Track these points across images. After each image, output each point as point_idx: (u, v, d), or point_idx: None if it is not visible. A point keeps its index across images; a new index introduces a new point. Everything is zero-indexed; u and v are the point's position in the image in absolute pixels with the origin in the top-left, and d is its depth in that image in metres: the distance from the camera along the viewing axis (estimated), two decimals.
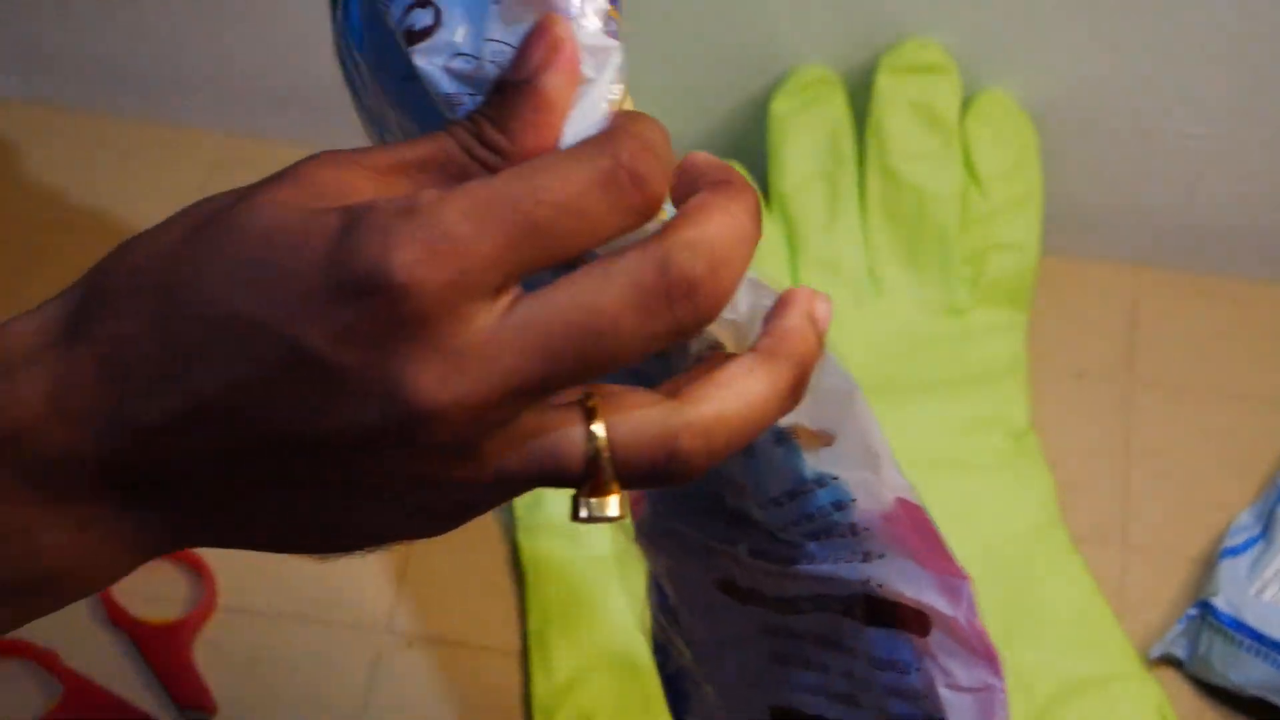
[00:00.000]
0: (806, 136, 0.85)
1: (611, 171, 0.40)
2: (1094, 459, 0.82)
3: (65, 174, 0.92)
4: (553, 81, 0.42)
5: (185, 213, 0.43)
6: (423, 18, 0.45)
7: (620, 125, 0.41)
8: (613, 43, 0.43)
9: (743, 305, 0.45)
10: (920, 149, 0.84)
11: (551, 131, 0.42)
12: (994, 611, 0.73)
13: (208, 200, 0.43)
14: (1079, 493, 0.80)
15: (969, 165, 0.85)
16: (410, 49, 0.45)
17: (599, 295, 0.40)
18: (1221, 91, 0.85)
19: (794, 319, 0.44)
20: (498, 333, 0.40)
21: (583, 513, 0.43)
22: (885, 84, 0.84)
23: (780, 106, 0.85)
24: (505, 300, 0.40)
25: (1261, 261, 0.90)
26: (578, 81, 0.42)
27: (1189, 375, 0.85)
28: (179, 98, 0.95)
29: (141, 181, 0.92)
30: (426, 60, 0.44)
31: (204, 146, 0.93)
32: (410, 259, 0.39)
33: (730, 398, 0.42)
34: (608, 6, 0.44)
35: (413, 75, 0.45)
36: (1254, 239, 0.90)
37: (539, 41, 0.42)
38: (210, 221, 0.42)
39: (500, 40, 0.44)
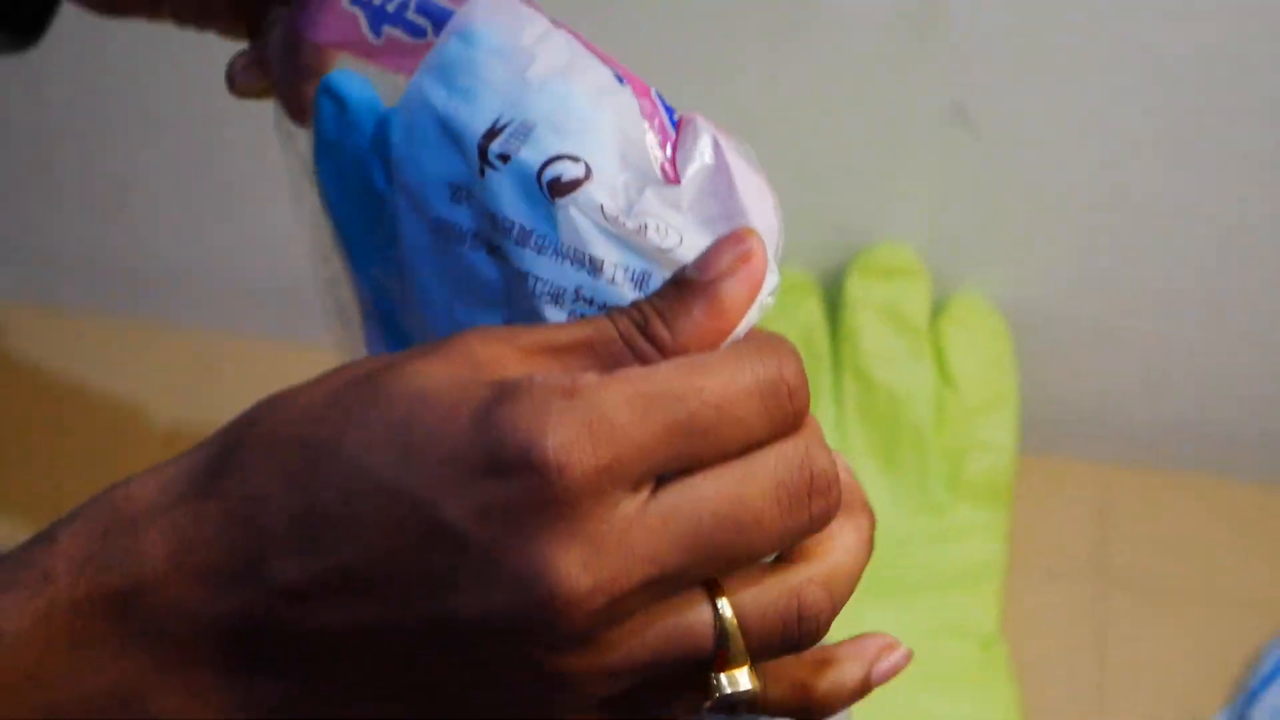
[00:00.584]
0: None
1: (775, 383, 0.40)
2: (1067, 659, 0.82)
3: (56, 371, 0.93)
4: (734, 290, 0.42)
5: (328, 375, 0.43)
6: (572, 170, 0.46)
7: (778, 339, 0.42)
8: (774, 265, 0.44)
9: None
10: (891, 351, 0.85)
11: (719, 339, 0.42)
12: None
13: (352, 364, 0.43)
14: (1052, 691, 0.81)
15: (943, 367, 0.87)
16: (557, 200, 0.45)
17: (745, 488, 0.40)
18: (1186, 292, 0.87)
19: (847, 474, 0.44)
20: (643, 521, 0.39)
21: (724, 689, 0.42)
22: (855, 288, 0.86)
23: None
24: (647, 489, 0.40)
25: (1229, 459, 0.91)
26: (757, 297, 0.43)
27: (1160, 575, 0.86)
28: (167, 296, 0.96)
29: (131, 378, 0.93)
30: (579, 213, 0.45)
31: (193, 343, 0.95)
32: (567, 440, 0.39)
33: (835, 549, 0.43)
34: (777, 226, 0.45)
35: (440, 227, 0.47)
36: (1221, 437, 0.91)
37: (731, 248, 0.42)
38: (355, 384, 0.42)
39: (666, 219, 0.45)
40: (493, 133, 0.48)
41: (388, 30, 0.53)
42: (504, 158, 0.47)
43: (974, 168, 0.84)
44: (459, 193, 0.48)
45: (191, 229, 0.94)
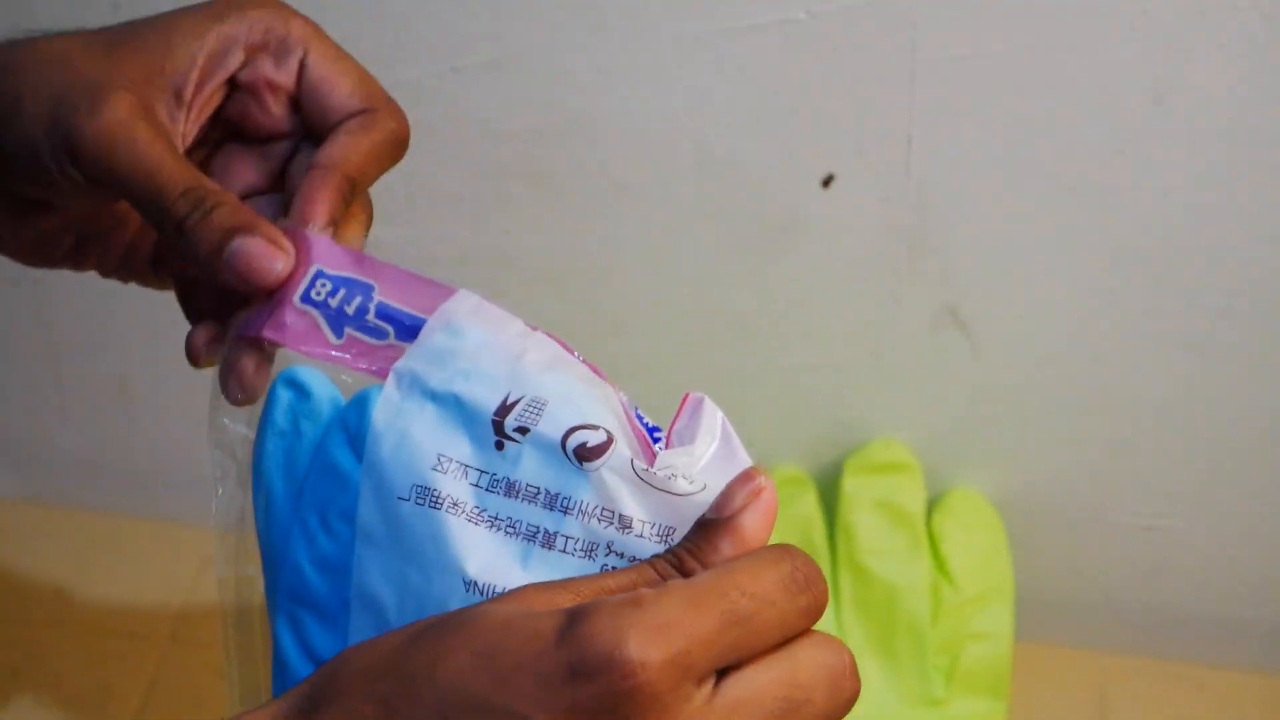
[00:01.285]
0: (780, 536, 0.87)
1: (793, 573, 0.47)
2: None
3: (59, 571, 0.95)
4: (753, 521, 0.49)
5: (393, 633, 0.48)
6: (595, 437, 0.52)
7: (784, 544, 0.49)
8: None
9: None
10: (887, 545, 0.87)
11: None
12: None
13: (419, 620, 0.49)
14: None
15: (939, 560, 0.88)
16: (586, 464, 0.51)
17: (795, 674, 0.47)
18: (1179, 483, 0.88)
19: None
20: (713, 709, 0.45)
21: None
22: (851, 484, 0.87)
23: None
24: (710, 682, 0.46)
25: (1227, 648, 0.92)
26: (773, 522, 0.50)
27: None
28: (169, 494, 0.98)
29: (134, 577, 0.94)
30: (611, 474, 0.51)
31: (194, 542, 0.96)
32: (642, 640, 0.44)
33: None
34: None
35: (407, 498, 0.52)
36: (1217, 626, 0.92)
37: (743, 485, 0.49)
38: (432, 628, 0.47)
39: (689, 471, 0.51)
40: (505, 409, 0.53)
41: (349, 331, 0.57)
42: (523, 430, 0.52)
43: (965, 367, 0.86)
44: (447, 464, 0.53)
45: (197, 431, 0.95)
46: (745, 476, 0.50)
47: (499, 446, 0.53)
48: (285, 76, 0.61)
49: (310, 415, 0.56)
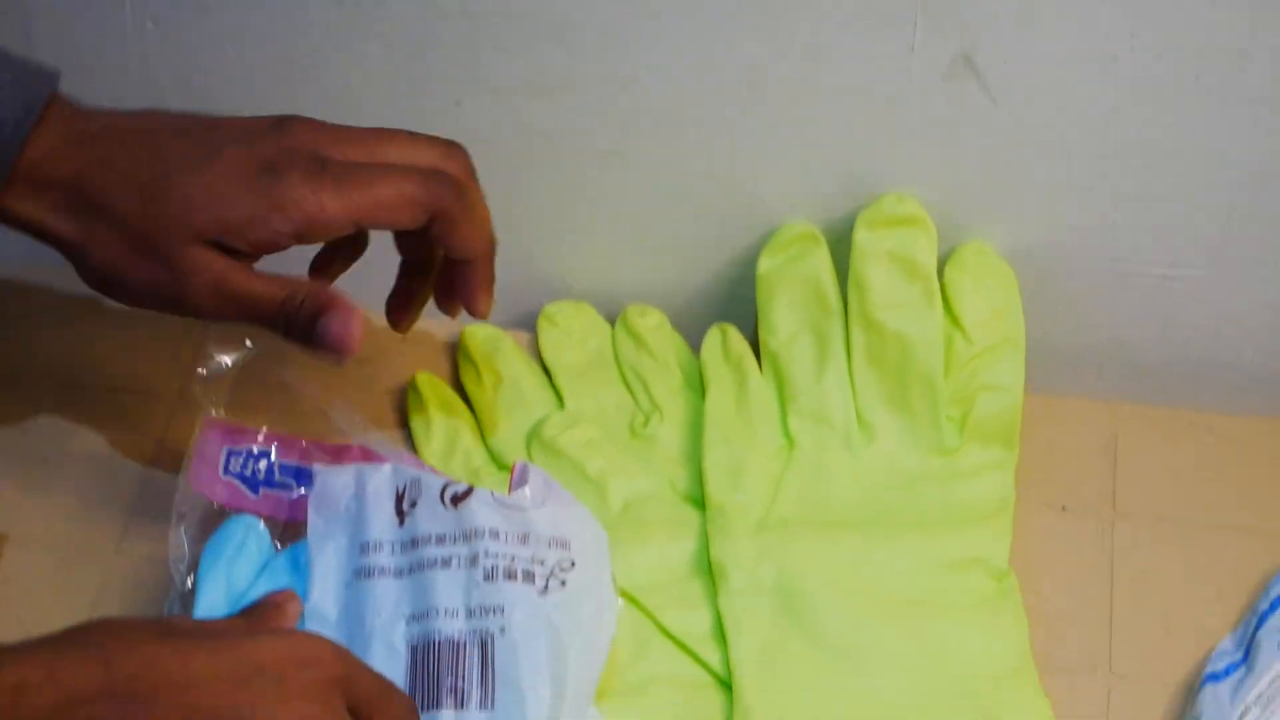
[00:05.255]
0: (792, 292, 0.88)
1: None
2: (1078, 590, 0.84)
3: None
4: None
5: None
6: (458, 486, 0.78)
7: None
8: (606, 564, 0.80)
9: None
10: (900, 298, 0.87)
11: None
12: None
13: None
14: (1064, 623, 0.83)
15: (952, 313, 0.88)
16: (460, 504, 0.77)
17: None
18: (1193, 233, 0.88)
19: None
20: None
21: None
22: (863, 238, 0.87)
23: (766, 265, 0.89)
24: None
25: (1236, 395, 0.93)
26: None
27: (1169, 507, 0.88)
28: None
29: None
30: (479, 503, 0.77)
31: None
32: None
33: None
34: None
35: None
36: (1228, 373, 0.93)
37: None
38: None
39: (535, 497, 0.79)
40: (399, 497, 0.77)
41: (264, 490, 0.81)
42: (413, 504, 0.76)
43: (979, 117, 0.86)
44: (369, 546, 0.76)
45: None
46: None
47: (402, 522, 0.76)
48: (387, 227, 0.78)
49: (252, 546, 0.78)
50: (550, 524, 0.77)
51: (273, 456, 0.82)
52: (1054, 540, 0.86)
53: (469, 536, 0.75)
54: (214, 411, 0.82)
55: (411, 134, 0.77)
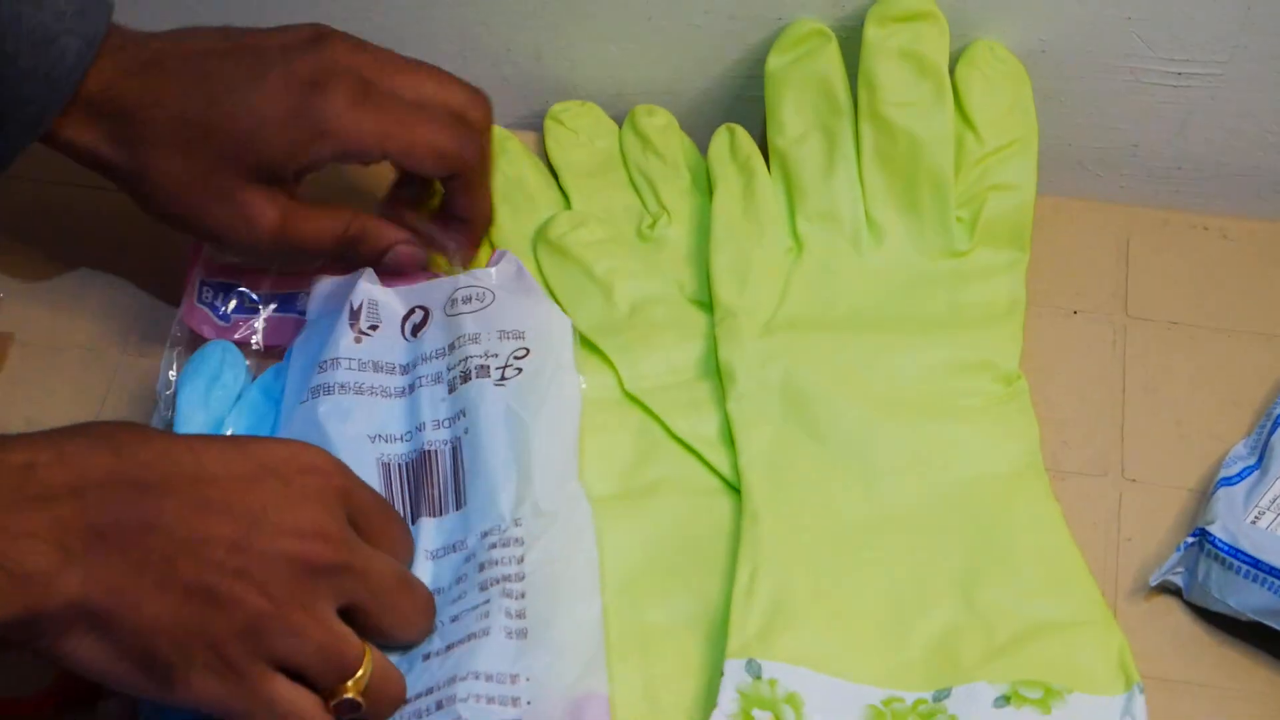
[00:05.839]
0: (801, 91, 0.87)
1: None
2: (1089, 394, 0.84)
3: None
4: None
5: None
6: (418, 315, 0.80)
7: None
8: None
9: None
10: (910, 96, 0.85)
11: None
12: (963, 551, 0.75)
13: None
14: (1076, 428, 0.82)
15: (963, 112, 0.87)
16: (419, 333, 0.80)
17: None
18: (1211, 30, 0.86)
19: None
20: None
21: None
22: (873, 34, 0.85)
23: (775, 63, 0.87)
24: None
25: (1251, 198, 0.92)
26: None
27: (1182, 311, 0.87)
28: None
29: None
30: (435, 326, 0.80)
31: None
32: None
33: None
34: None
35: None
36: (1244, 176, 0.91)
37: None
38: None
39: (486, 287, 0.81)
40: (355, 314, 0.78)
41: (235, 318, 0.83)
42: (373, 327, 0.78)
43: None
44: (324, 364, 0.77)
45: None
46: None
47: (357, 341, 0.77)
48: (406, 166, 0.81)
49: (228, 375, 0.78)
50: (501, 318, 0.78)
51: (244, 289, 0.84)
52: (1065, 344, 0.85)
53: (425, 359, 0.78)
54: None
55: (443, 74, 0.80)
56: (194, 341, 0.81)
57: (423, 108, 0.78)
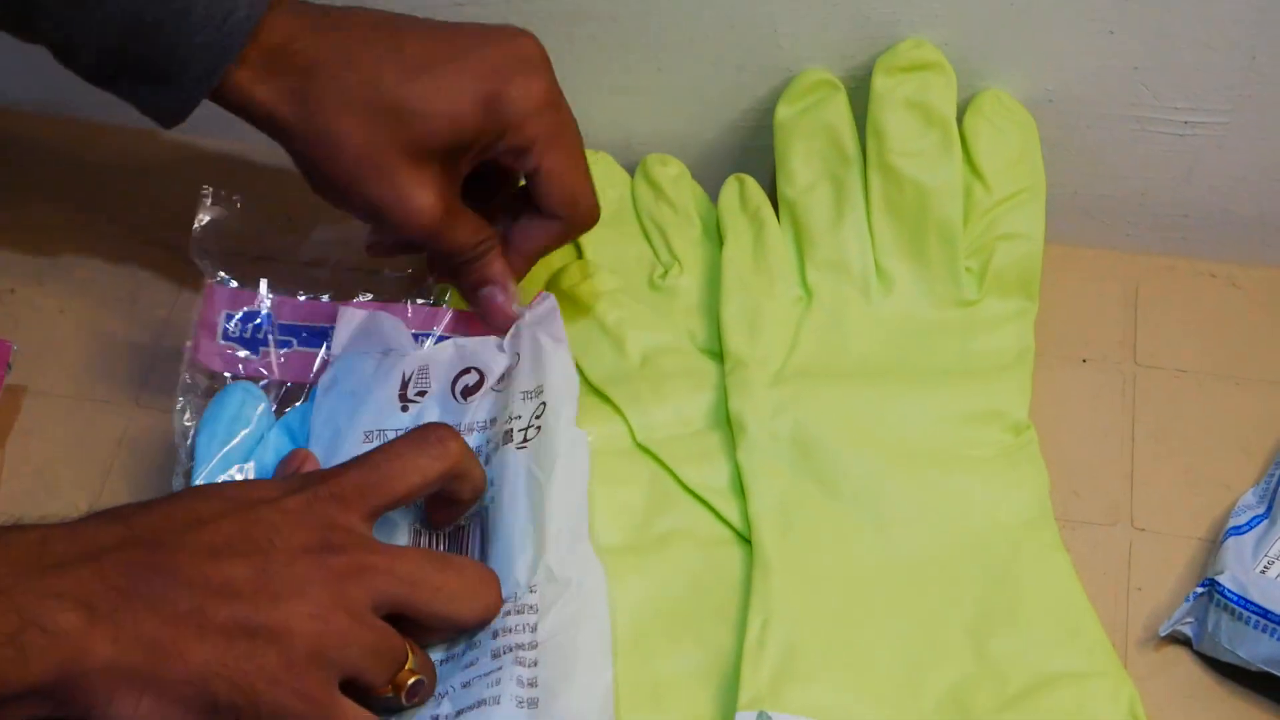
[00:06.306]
0: (810, 141, 0.87)
1: None
2: (1099, 442, 0.84)
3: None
4: None
5: None
6: (470, 378, 0.79)
7: None
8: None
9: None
10: (918, 145, 0.85)
11: None
12: (974, 601, 0.75)
13: None
14: (1086, 477, 0.82)
15: (971, 161, 0.87)
16: (468, 399, 0.79)
17: None
18: (1216, 80, 0.86)
19: None
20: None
21: None
22: (881, 84, 0.86)
23: (784, 113, 0.88)
24: None
25: (1259, 245, 0.92)
26: None
27: (1190, 359, 0.87)
28: None
29: None
30: (482, 398, 0.79)
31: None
32: None
33: None
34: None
35: None
36: (1251, 224, 0.92)
37: None
38: None
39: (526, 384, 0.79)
40: (405, 384, 0.78)
41: (262, 350, 0.82)
42: (421, 393, 0.78)
43: None
44: (370, 435, 0.77)
45: None
46: None
47: (404, 409, 0.77)
48: (521, 166, 0.79)
49: (249, 414, 0.78)
50: (523, 379, 0.77)
51: (270, 315, 0.82)
52: (1074, 392, 0.85)
53: (470, 430, 0.77)
54: (212, 279, 0.82)
55: None
56: (206, 388, 0.81)
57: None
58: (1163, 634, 0.76)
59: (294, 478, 0.69)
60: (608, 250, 0.89)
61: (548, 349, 0.78)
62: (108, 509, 0.66)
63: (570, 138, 0.79)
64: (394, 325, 0.80)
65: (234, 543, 0.64)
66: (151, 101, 0.76)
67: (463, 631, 0.70)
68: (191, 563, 0.63)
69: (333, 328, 0.81)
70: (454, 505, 0.73)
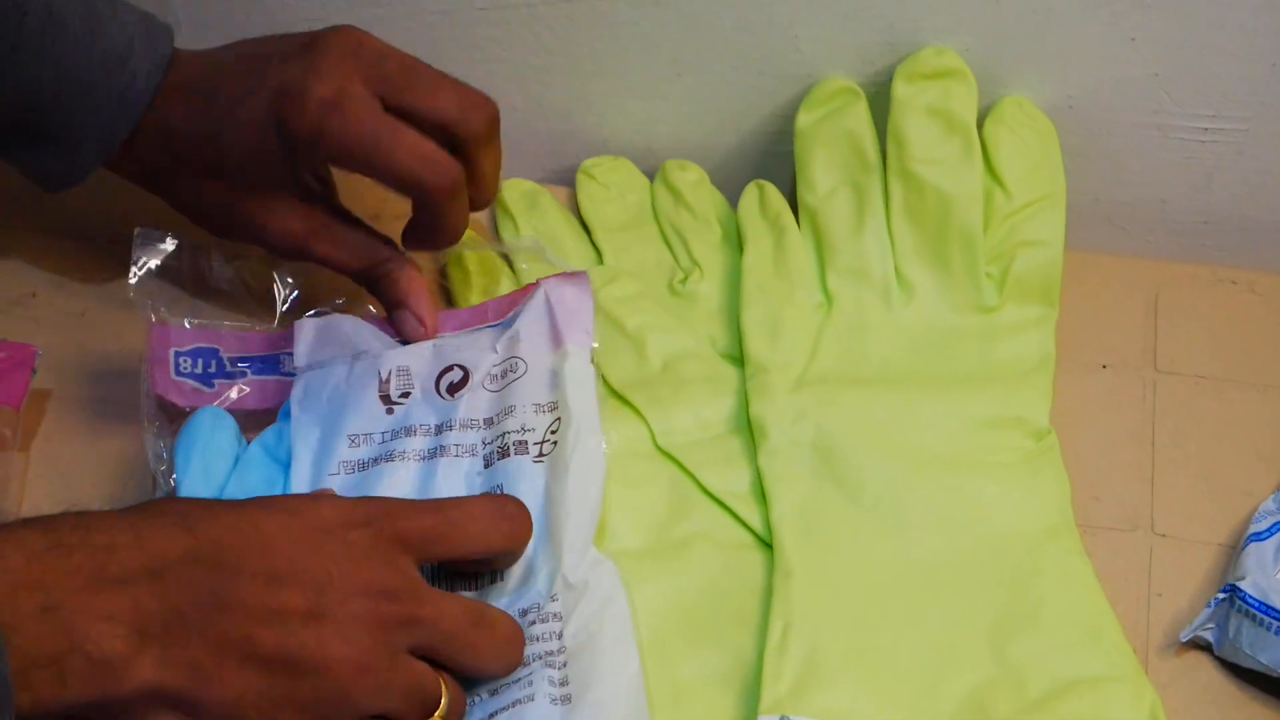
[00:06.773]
0: (831, 148, 0.87)
1: None
2: (1120, 449, 0.84)
3: None
4: None
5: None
6: (453, 375, 0.79)
7: None
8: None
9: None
10: (939, 153, 0.86)
11: None
12: (995, 607, 0.75)
13: None
14: (1106, 482, 0.82)
15: (992, 168, 0.87)
16: (457, 394, 0.78)
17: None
18: (1236, 86, 0.87)
19: None
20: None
21: None
22: (902, 91, 0.86)
23: (804, 120, 0.88)
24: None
25: (1278, 252, 0.92)
26: None
27: (1211, 365, 0.87)
28: None
29: None
30: (471, 394, 0.79)
31: None
32: None
33: None
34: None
35: None
36: (1271, 230, 0.92)
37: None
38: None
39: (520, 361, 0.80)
40: (384, 384, 0.78)
41: (219, 382, 0.81)
42: (404, 394, 0.78)
43: None
44: (355, 439, 0.77)
45: None
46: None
47: (389, 412, 0.77)
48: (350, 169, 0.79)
49: (222, 439, 0.77)
50: (535, 390, 0.77)
51: (221, 353, 0.82)
52: (1094, 399, 0.86)
53: (460, 426, 0.77)
54: (154, 316, 0.82)
55: (442, 80, 0.78)
56: (171, 415, 0.80)
57: (407, 120, 0.76)
58: (1184, 640, 0.76)
59: (360, 503, 0.68)
60: (628, 255, 0.89)
61: (569, 368, 0.78)
62: (173, 505, 0.66)
63: (358, 126, 0.75)
64: (354, 324, 0.80)
65: (295, 571, 0.64)
66: (42, 167, 0.80)
67: None
68: (250, 588, 0.63)
69: (286, 353, 0.81)
70: (481, 564, 0.73)
